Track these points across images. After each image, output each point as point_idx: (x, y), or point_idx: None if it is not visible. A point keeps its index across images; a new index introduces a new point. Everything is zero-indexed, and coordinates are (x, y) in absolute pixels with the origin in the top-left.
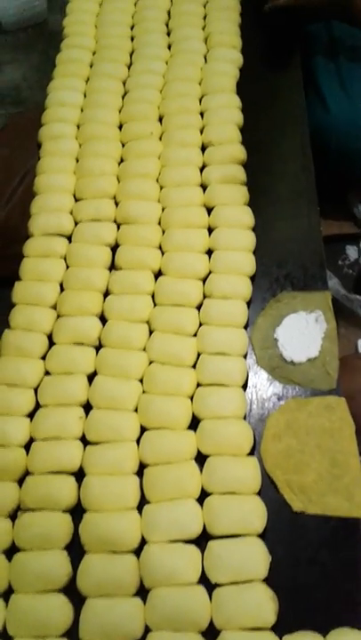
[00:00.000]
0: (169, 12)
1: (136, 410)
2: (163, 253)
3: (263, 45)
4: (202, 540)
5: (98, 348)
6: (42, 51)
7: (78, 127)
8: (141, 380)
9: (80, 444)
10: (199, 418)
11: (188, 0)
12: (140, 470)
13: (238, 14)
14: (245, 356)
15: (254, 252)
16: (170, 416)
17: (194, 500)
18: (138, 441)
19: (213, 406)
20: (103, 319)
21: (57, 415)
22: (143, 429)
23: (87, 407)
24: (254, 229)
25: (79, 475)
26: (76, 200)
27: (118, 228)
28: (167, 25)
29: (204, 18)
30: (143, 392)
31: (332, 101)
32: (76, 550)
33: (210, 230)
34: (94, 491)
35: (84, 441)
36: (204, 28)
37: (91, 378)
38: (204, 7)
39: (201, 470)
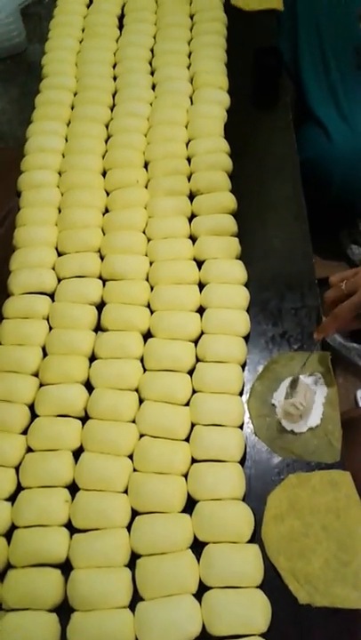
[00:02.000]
0: (152, 50)
1: (126, 491)
2: (151, 312)
3: (251, 85)
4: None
5: (84, 419)
6: (21, 83)
7: (60, 174)
8: (131, 456)
9: (66, 533)
10: (195, 499)
11: (172, 37)
12: (133, 560)
13: (224, 51)
14: (242, 426)
15: (248, 310)
16: (163, 498)
17: (191, 597)
18: (129, 526)
19: (210, 486)
20: (89, 386)
21: (41, 499)
22: (134, 512)
23: (73, 488)
24: (247, 284)
25: (66, 566)
26: (59, 254)
27: (104, 284)
28: (151, 63)
29: (189, 55)
30: (134, 470)
31: (334, 131)
32: None
33: (200, 285)
34: (83, 588)
35: (70, 527)
36: (189, 67)
37: (77, 453)
38: (189, 44)
39: (198, 559)
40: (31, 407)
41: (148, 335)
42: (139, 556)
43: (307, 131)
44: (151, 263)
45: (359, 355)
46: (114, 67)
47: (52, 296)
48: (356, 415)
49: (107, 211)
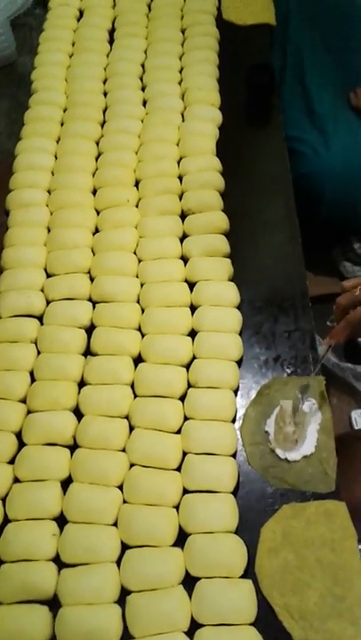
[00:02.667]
0: (143, 65)
1: (116, 523)
2: (142, 335)
3: (243, 101)
4: None
5: (73, 447)
6: (11, 95)
7: (49, 192)
8: (121, 487)
9: (54, 568)
10: (187, 532)
11: (164, 53)
12: (123, 596)
13: (216, 67)
14: (235, 455)
15: (240, 333)
16: (154, 531)
17: (183, 635)
18: (119, 560)
19: (202, 519)
20: (78, 413)
21: (28, 532)
22: (124, 546)
23: (61, 520)
24: (240, 307)
25: (54, 602)
26: (48, 276)
27: (94, 306)
28: (142, 79)
29: (181, 71)
30: (124, 501)
31: (320, 150)
32: None
33: (192, 308)
34: (71, 625)
35: (58, 562)
36: (180, 83)
37: (65, 483)
38: (180, 59)
39: (190, 594)
40: (18, 435)
41: (138, 359)
42: (129, 592)
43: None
44: (142, 285)
45: (353, 375)
46: (104, 82)
47: (40, 319)
48: (351, 436)
49: (97, 230)
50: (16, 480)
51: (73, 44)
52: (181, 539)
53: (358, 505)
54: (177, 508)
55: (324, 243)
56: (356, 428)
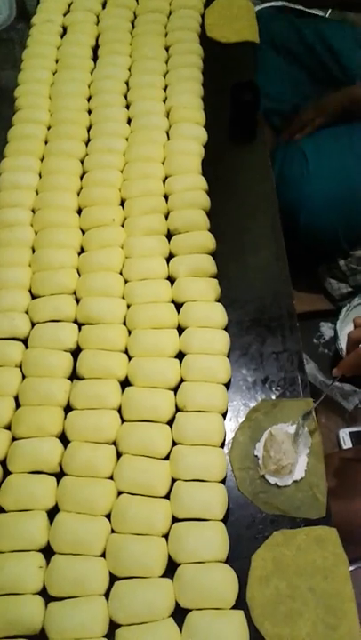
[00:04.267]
0: (127, 83)
1: (104, 554)
2: (129, 358)
3: (228, 119)
4: None
5: (59, 474)
6: None
7: (34, 212)
8: (109, 515)
9: (41, 601)
10: (176, 562)
11: (148, 70)
12: (112, 629)
13: (201, 85)
14: (225, 480)
15: (228, 354)
16: (143, 562)
17: None
18: (108, 592)
19: (191, 549)
20: (64, 439)
21: (14, 565)
22: (113, 577)
23: (48, 551)
24: (227, 328)
25: (41, 637)
26: (33, 297)
27: (79, 328)
28: (126, 96)
29: (165, 88)
30: (112, 531)
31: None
32: None
33: (179, 329)
34: None
35: (46, 595)
36: (165, 100)
37: (52, 512)
38: (165, 77)
39: (180, 627)
40: (3, 462)
41: (126, 382)
42: (118, 626)
43: (291, 167)
44: (129, 306)
45: (341, 393)
46: (89, 100)
47: (25, 341)
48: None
49: (82, 250)
50: (1, 509)
51: (57, 61)
52: (171, 568)
53: (350, 524)
54: (166, 536)
55: (308, 259)
56: (344, 447)
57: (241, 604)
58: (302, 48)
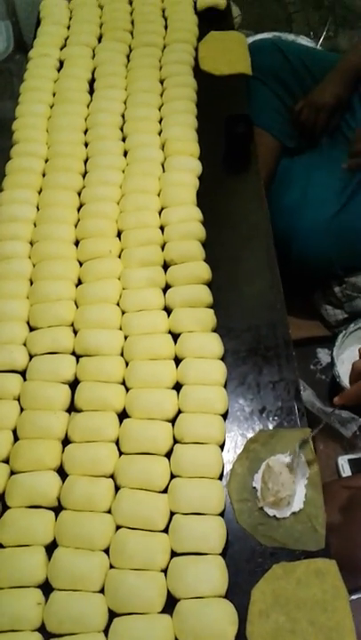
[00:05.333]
0: (123, 116)
1: (103, 590)
2: (127, 389)
3: (222, 151)
4: None
5: (57, 508)
6: None
7: (31, 244)
8: (108, 550)
9: (39, 639)
10: (175, 597)
11: (143, 104)
12: None
13: (195, 117)
14: (223, 513)
15: (225, 385)
16: (142, 598)
17: None
18: (107, 630)
19: (191, 584)
20: (62, 472)
21: (12, 601)
22: (112, 613)
23: (47, 587)
24: (224, 357)
25: None
26: (31, 329)
27: (77, 360)
28: (122, 129)
29: (160, 121)
30: (111, 566)
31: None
32: None
33: (176, 359)
34: None
35: (44, 632)
36: (160, 133)
37: (50, 548)
38: (159, 110)
39: None
40: (1, 496)
41: (123, 413)
42: None
43: (285, 197)
44: (126, 337)
45: (339, 420)
46: (85, 133)
47: (23, 374)
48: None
49: (80, 282)
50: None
51: (54, 95)
52: (171, 603)
53: (351, 553)
54: (165, 571)
55: (304, 285)
56: (343, 474)
57: (241, 639)
58: (292, 78)
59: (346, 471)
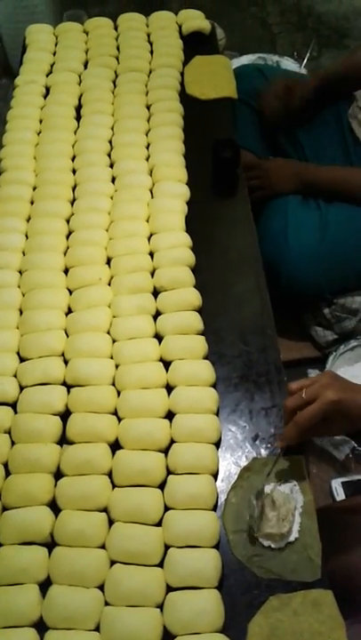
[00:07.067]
0: (110, 142)
1: (98, 628)
2: (119, 419)
3: (209, 175)
4: None
5: (50, 545)
6: None
7: (20, 273)
8: (102, 586)
9: None
10: (171, 632)
11: (130, 129)
12: None
13: (182, 142)
14: (218, 545)
15: (217, 412)
16: (138, 635)
17: None
18: None
19: (187, 620)
20: (55, 507)
21: None
22: None
23: (41, 626)
24: (215, 384)
25: None
26: (21, 360)
27: (68, 390)
28: (109, 155)
29: (148, 146)
30: (106, 603)
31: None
32: None
33: (168, 387)
34: None
35: None
36: (147, 158)
37: (43, 585)
38: (147, 135)
39: None
40: None
41: (116, 443)
42: None
43: (271, 222)
44: (117, 366)
45: (332, 443)
46: (73, 159)
47: (14, 406)
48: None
49: (70, 311)
50: None
51: (41, 122)
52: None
53: (349, 578)
54: (161, 606)
55: (293, 307)
56: (337, 497)
57: None
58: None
59: (340, 494)
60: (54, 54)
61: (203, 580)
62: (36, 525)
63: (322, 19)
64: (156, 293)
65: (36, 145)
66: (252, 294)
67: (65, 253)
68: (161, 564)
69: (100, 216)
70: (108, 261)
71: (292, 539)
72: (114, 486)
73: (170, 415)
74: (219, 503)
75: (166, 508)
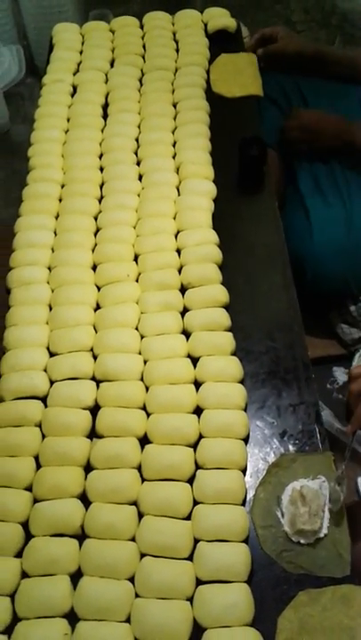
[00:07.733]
0: (137, 139)
1: (129, 619)
2: (148, 414)
3: (236, 173)
4: None
5: (81, 536)
6: (6, 164)
7: (50, 269)
8: (133, 579)
9: None
10: (201, 625)
11: (157, 127)
12: None
13: (208, 140)
14: (247, 540)
15: (245, 408)
16: (168, 628)
17: None
18: None
19: (217, 613)
20: (85, 499)
21: (39, 633)
22: None
23: (72, 617)
24: (243, 380)
25: None
26: (51, 355)
27: (97, 385)
28: (136, 153)
29: (174, 144)
30: (136, 595)
31: (317, 229)
32: None
33: (196, 383)
34: None
35: None
36: (174, 156)
37: (74, 577)
38: (173, 133)
39: None
40: (25, 526)
41: (145, 438)
42: None
43: (294, 220)
44: (145, 361)
45: (358, 441)
46: (100, 157)
47: (44, 400)
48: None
49: (98, 307)
50: (24, 575)
51: (68, 120)
52: (196, 632)
53: None
54: (191, 599)
55: (319, 304)
56: None
57: None
58: (284, 102)
59: None
60: (81, 53)
61: (232, 574)
62: (66, 517)
63: (346, 16)
64: (183, 290)
65: (64, 143)
66: (278, 291)
67: (93, 250)
68: (190, 558)
69: (128, 213)
70: (136, 258)
71: (321, 535)
72: (143, 480)
73: (198, 411)
74: (247, 498)
75: (195, 503)
